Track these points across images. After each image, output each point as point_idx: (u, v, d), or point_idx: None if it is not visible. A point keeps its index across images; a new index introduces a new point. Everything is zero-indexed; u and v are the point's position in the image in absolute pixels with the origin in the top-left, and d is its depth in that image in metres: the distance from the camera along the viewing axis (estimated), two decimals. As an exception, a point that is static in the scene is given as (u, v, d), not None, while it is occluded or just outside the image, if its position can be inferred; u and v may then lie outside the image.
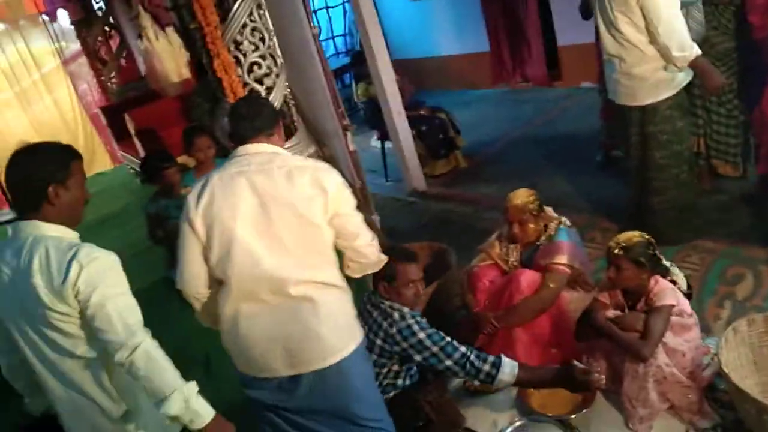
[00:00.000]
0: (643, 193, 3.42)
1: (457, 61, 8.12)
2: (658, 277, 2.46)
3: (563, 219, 2.93)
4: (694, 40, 3.03)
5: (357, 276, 2.15)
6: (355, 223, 2.01)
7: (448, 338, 2.34)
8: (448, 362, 2.30)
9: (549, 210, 2.94)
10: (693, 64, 3.01)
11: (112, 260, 1.73)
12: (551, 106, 6.59)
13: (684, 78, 3.14)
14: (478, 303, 2.96)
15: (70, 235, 1.76)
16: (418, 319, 2.39)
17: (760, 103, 3.32)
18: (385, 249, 2.20)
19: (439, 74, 8.31)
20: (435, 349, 2.31)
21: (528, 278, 2.78)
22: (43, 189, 1.70)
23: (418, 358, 2.34)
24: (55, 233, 1.73)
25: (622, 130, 3.42)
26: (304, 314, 1.92)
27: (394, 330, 2.35)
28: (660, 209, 3.37)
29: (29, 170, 1.71)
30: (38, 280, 1.67)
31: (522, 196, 2.83)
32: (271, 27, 3.28)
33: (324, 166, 2.04)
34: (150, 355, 1.67)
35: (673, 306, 2.37)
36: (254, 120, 2.00)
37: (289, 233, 1.90)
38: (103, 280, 1.67)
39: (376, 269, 2.19)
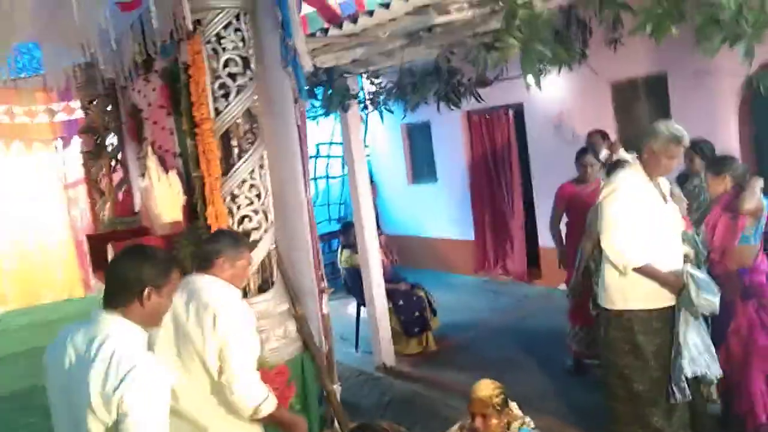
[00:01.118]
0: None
1: (443, 244, 8.41)
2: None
3: (527, 419, 2.84)
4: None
5: None
6: None
7: None
8: None
9: (514, 406, 2.86)
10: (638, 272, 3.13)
11: (163, 383, 1.80)
12: (528, 303, 6.69)
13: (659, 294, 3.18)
14: None
15: (141, 338, 1.86)
16: None
17: (726, 341, 3.42)
18: (351, 428, 2.18)
19: (424, 254, 8.56)
20: None
21: (486, 479, 2.62)
22: (140, 289, 1.84)
23: None
24: (128, 334, 1.83)
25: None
26: None
27: None
28: None
29: (135, 267, 1.86)
30: (95, 377, 1.73)
31: (487, 389, 2.76)
32: (269, 186, 3.43)
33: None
34: None
35: None
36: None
37: None
38: (148, 402, 1.74)
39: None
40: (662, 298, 3.17)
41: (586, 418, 3.88)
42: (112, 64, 4.64)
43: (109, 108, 6.22)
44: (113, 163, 6.65)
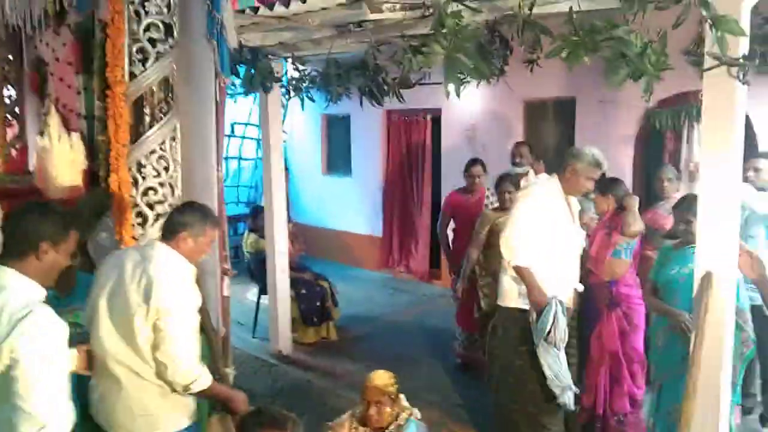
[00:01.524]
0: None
1: (351, 238, 8.48)
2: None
3: (415, 411, 2.95)
4: None
5: None
6: None
7: None
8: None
9: (402, 398, 2.96)
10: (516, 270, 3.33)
11: (58, 334, 1.79)
12: (426, 302, 6.90)
13: None
14: None
15: (36, 293, 1.86)
16: None
17: (595, 332, 3.72)
18: (249, 413, 2.24)
19: (332, 246, 8.58)
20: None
21: (369, 466, 2.70)
22: (38, 243, 1.86)
23: None
24: (23, 288, 1.83)
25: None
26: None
27: None
28: None
29: (35, 222, 1.88)
30: None
31: (383, 378, 2.85)
32: (179, 159, 3.34)
33: None
34: None
35: None
36: None
37: None
38: (41, 349, 1.73)
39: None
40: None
41: (470, 412, 4.07)
42: (20, 10, 4.32)
43: (10, 57, 5.77)
44: (9, 117, 6.18)
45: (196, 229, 2.49)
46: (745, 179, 3.81)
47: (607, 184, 3.86)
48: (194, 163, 3.43)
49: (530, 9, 2.64)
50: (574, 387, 3.38)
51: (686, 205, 3.07)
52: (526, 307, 3.36)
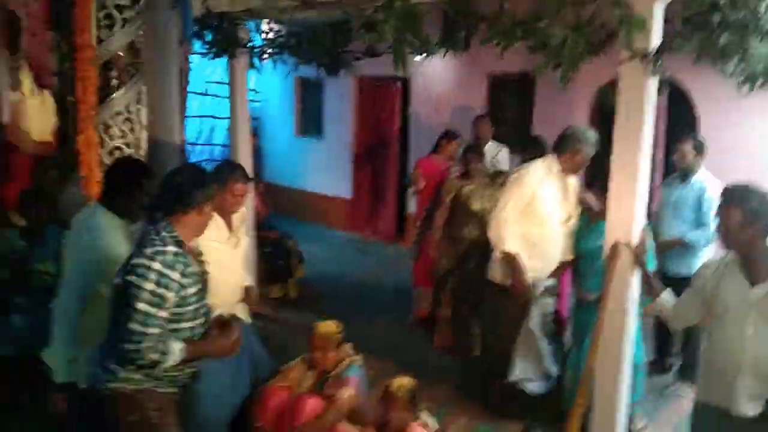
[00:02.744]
0: None
1: (321, 199, 8.73)
2: (418, 425, 2.83)
3: (357, 358, 3.26)
4: None
5: None
6: None
7: (161, 315, 2.11)
8: (134, 325, 2.06)
9: (348, 346, 3.28)
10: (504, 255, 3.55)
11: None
12: (390, 262, 7.20)
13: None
14: (263, 420, 3.11)
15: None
16: (166, 271, 2.11)
17: None
18: None
19: (302, 206, 8.82)
20: (140, 305, 2.07)
21: (312, 404, 3.02)
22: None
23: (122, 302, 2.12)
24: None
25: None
26: None
27: (135, 260, 2.12)
28: None
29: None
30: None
31: (329, 327, 3.15)
32: (144, 122, 3.54)
33: None
34: None
35: None
36: None
37: None
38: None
39: None
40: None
41: (419, 367, 4.38)
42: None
43: (-19, 11, 5.78)
44: (-20, 69, 6.23)
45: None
46: (673, 162, 4.13)
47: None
48: (159, 126, 3.64)
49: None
50: (550, 375, 3.60)
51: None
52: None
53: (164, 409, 2.26)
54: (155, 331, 2.09)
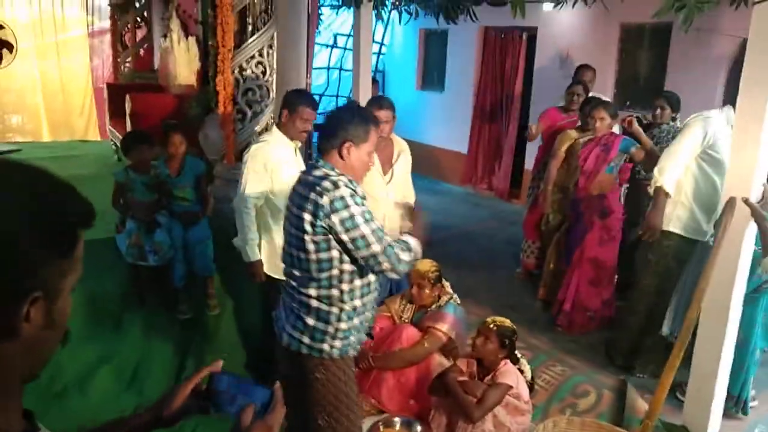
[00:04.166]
0: None
1: (438, 153, 8.83)
2: (507, 361, 2.94)
3: (455, 297, 3.42)
4: None
5: None
6: None
7: (379, 224, 2.13)
8: (376, 248, 2.06)
9: (447, 285, 3.44)
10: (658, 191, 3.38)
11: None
12: (503, 217, 7.22)
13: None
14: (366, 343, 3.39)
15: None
16: (352, 187, 2.12)
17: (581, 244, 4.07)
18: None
19: (418, 159, 8.96)
20: (366, 230, 2.06)
21: (409, 333, 3.23)
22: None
23: (345, 237, 2.06)
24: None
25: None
26: None
27: (324, 200, 2.05)
28: None
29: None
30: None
31: (425, 264, 3.32)
32: (275, 66, 3.83)
33: None
34: None
35: (511, 387, 2.83)
36: None
37: None
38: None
39: None
40: (696, 232, 3.42)
41: (521, 317, 4.46)
42: None
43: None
44: (139, 19, 6.95)
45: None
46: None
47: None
48: (287, 70, 3.92)
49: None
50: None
51: None
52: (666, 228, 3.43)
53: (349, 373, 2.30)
54: (389, 239, 2.12)
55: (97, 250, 3.88)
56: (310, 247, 2.08)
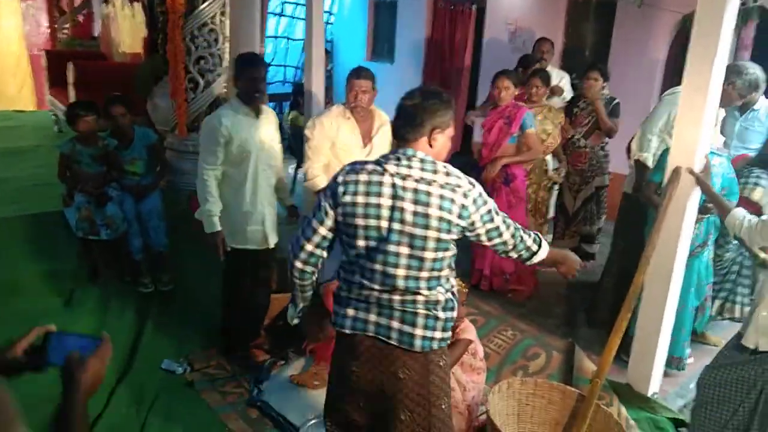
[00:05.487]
0: None
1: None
2: (465, 319, 3.04)
3: None
4: None
5: None
6: None
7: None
8: (507, 235, 2.10)
9: None
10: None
11: None
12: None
13: None
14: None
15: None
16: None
17: None
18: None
19: (369, 131, 8.96)
20: (499, 221, 2.07)
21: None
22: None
23: (481, 231, 2.05)
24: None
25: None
26: None
27: (468, 200, 1.98)
28: None
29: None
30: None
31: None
32: (227, 33, 3.75)
33: None
34: None
35: (471, 341, 2.92)
36: None
37: None
38: None
39: None
40: None
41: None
42: None
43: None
44: (76, -18, 6.60)
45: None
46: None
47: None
48: (240, 38, 3.84)
49: None
50: None
51: None
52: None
53: None
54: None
55: (45, 223, 3.76)
56: (441, 245, 1.99)
